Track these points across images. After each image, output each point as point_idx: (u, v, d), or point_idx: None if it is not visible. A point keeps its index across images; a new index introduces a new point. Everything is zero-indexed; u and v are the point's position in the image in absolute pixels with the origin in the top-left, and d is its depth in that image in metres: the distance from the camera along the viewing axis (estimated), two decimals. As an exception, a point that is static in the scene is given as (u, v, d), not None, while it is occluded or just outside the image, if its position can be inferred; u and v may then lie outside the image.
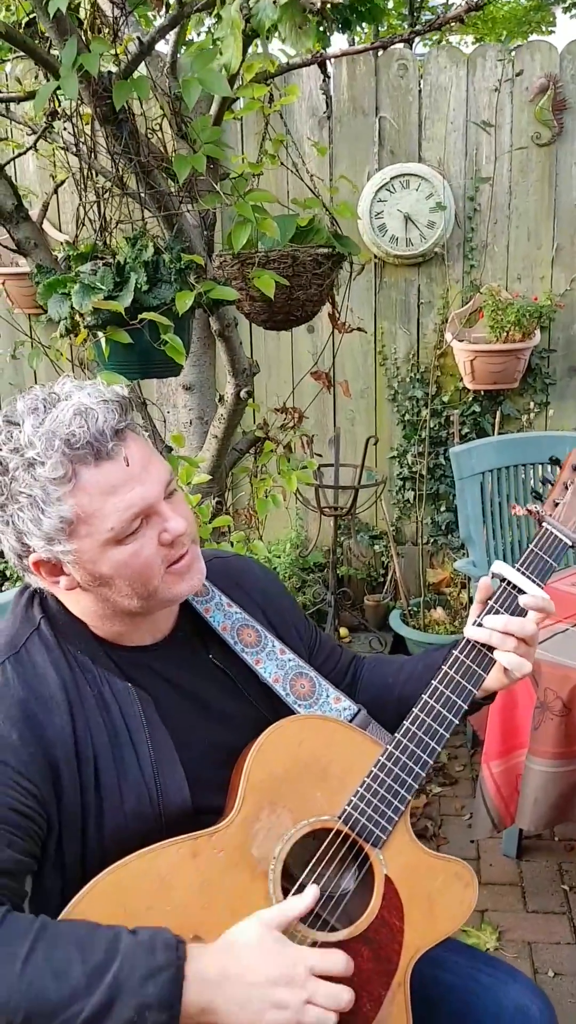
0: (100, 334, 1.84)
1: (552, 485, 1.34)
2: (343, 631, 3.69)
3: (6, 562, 1.23)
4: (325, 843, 1.14)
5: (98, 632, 1.20)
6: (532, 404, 3.64)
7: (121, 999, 0.93)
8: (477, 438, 3.46)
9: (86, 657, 1.17)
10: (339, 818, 1.14)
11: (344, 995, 1.01)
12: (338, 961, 1.03)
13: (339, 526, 3.50)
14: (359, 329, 2.66)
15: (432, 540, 3.77)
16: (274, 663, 1.28)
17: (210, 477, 2.43)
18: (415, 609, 3.63)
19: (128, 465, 1.09)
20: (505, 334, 3.36)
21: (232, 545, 2.38)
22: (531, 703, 2.02)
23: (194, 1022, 0.97)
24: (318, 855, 1.13)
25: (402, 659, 1.46)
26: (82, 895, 1.03)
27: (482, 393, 3.60)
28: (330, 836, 1.14)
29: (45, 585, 1.17)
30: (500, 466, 3.05)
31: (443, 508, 3.74)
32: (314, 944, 1.08)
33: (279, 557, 3.68)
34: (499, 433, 3.53)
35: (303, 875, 1.13)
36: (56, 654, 1.15)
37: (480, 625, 1.22)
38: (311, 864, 1.13)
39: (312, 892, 1.07)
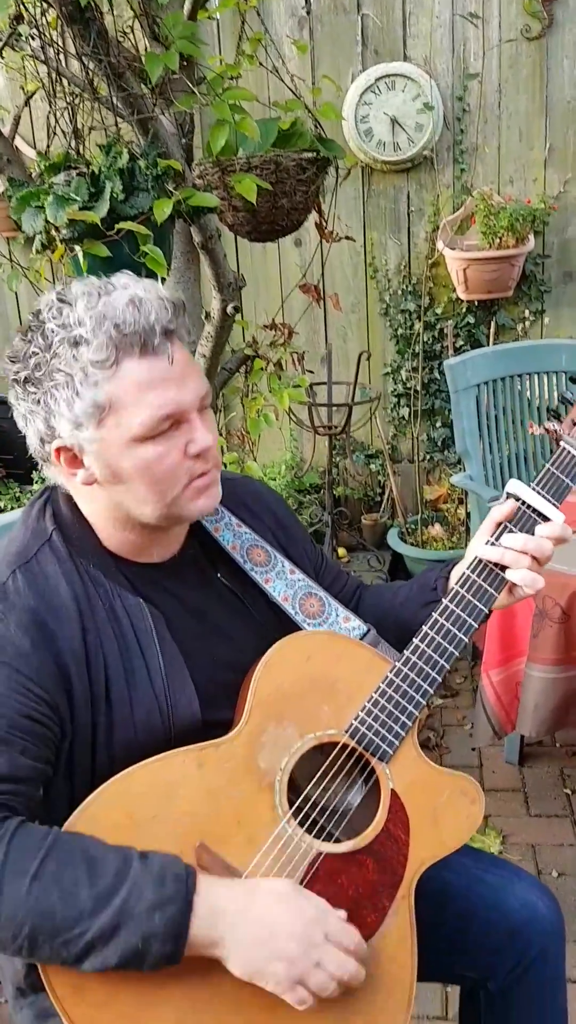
0: (77, 248, 1.77)
1: (571, 404, 1.30)
2: (341, 551, 3.68)
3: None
4: (331, 756, 1.13)
5: (109, 546, 1.19)
6: (527, 313, 3.56)
7: (127, 926, 0.94)
8: (472, 350, 3.40)
9: (98, 571, 1.16)
10: (346, 732, 1.14)
11: (350, 967, 1.01)
12: (353, 937, 1.03)
13: (334, 446, 3.46)
14: (347, 238, 2.57)
15: (428, 457, 3.74)
16: (284, 582, 1.28)
17: (200, 397, 2.39)
18: (413, 527, 3.61)
19: (171, 364, 1.09)
20: (498, 240, 3.26)
21: (225, 467, 2.35)
22: (530, 612, 2.02)
23: (200, 953, 0.97)
24: (324, 768, 1.13)
25: (399, 583, 1.46)
26: (89, 802, 1.03)
27: (476, 303, 3.52)
28: (336, 750, 1.14)
29: (62, 479, 1.17)
30: (496, 377, 2.99)
31: (439, 424, 3.69)
32: (319, 855, 1.08)
33: (274, 479, 3.65)
34: (494, 344, 3.47)
35: (308, 787, 1.12)
36: (68, 566, 1.15)
37: (495, 545, 1.21)
38: (317, 777, 1.12)
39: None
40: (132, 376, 1.08)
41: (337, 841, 1.11)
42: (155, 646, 1.15)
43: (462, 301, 3.52)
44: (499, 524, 1.23)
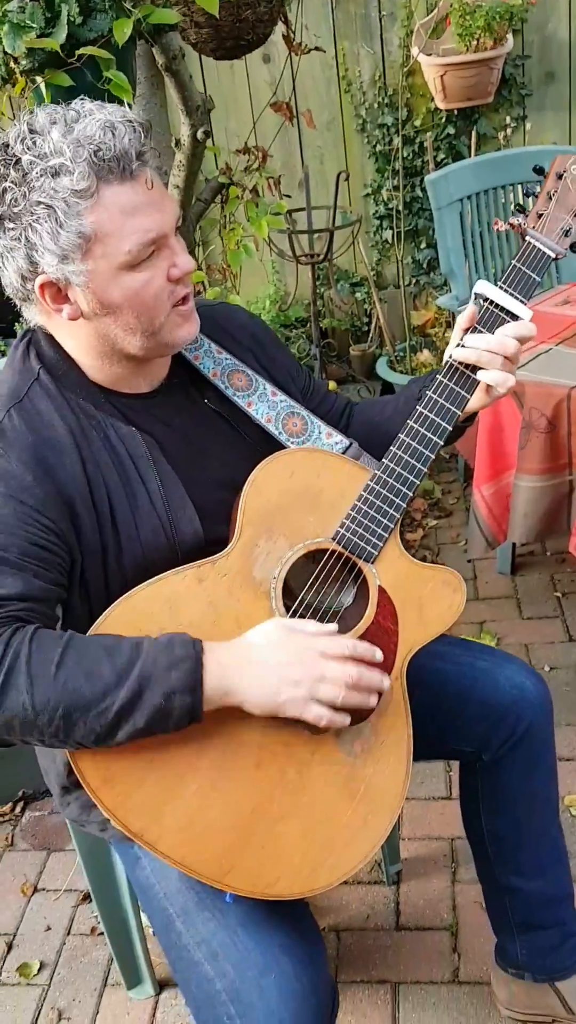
0: (39, 79, 1.70)
1: (536, 197, 1.29)
2: (331, 384, 3.68)
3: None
4: (321, 563, 1.21)
5: (95, 379, 1.21)
6: (508, 119, 3.43)
7: (150, 688, 1.03)
8: (453, 163, 3.29)
9: (88, 403, 1.19)
10: (333, 539, 1.21)
11: (351, 670, 1.11)
12: (344, 644, 1.12)
13: (317, 275, 3.41)
14: (317, 48, 2.45)
15: (414, 280, 3.68)
16: (266, 404, 1.31)
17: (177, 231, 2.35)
18: (401, 354, 3.61)
19: (151, 188, 1.09)
20: (475, 42, 3.10)
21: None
22: (517, 426, 2.07)
23: (218, 704, 1.07)
24: (315, 573, 1.21)
25: (386, 398, 1.49)
26: (99, 622, 1.11)
27: (455, 112, 3.38)
28: (325, 556, 1.21)
29: (43, 318, 1.18)
30: (479, 190, 2.91)
31: (423, 245, 3.62)
32: None
33: (259, 314, 3.62)
34: (476, 155, 3.35)
35: (302, 592, 1.20)
36: (59, 401, 1.18)
37: (463, 346, 1.23)
38: (309, 582, 1.21)
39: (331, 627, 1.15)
40: (115, 203, 1.07)
41: None
42: (152, 470, 1.20)
43: (441, 111, 3.38)
44: (466, 329, 1.24)
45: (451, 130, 3.42)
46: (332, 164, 3.53)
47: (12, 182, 1.08)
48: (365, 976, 1.71)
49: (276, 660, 1.09)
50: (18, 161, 1.07)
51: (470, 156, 3.37)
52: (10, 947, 1.86)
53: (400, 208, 3.50)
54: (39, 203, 1.06)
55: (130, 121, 1.09)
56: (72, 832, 1.55)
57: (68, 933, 1.87)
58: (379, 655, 1.14)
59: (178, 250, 1.14)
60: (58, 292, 1.13)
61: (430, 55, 3.20)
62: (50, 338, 1.22)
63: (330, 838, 1.15)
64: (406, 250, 3.61)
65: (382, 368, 3.57)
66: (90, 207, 1.07)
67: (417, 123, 3.44)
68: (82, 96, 1.13)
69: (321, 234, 3.26)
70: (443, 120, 3.42)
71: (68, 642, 1.05)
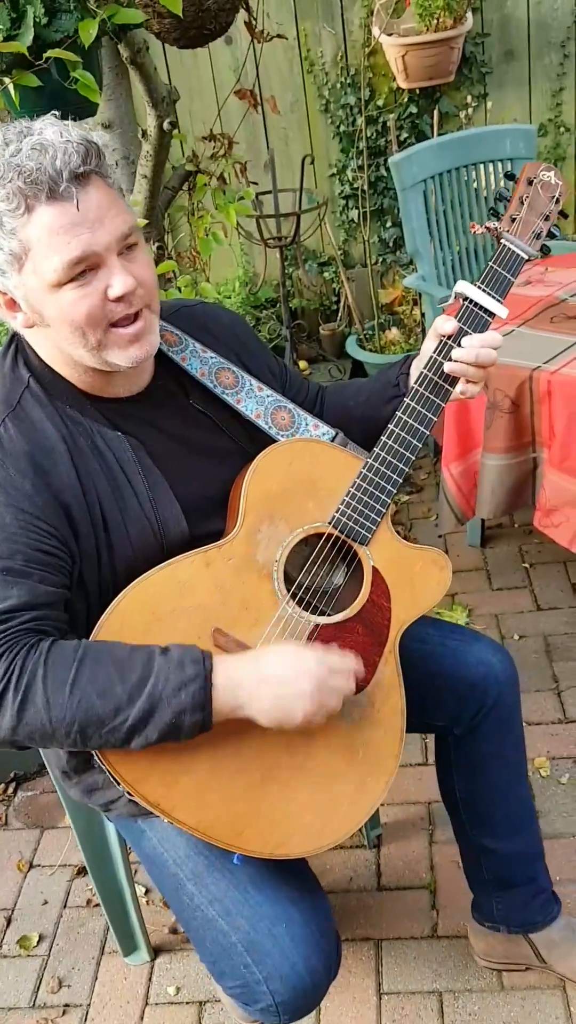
0: (6, 80, 1.73)
1: (508, 201, 1.36)
2: (302, 364, 3.74)
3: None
4: (318, 546, 1.28)
5: (79, 385, 1.25)
6: (470, 98, 3.47)
7: (160, 708, 1.09)
8: (417, 143, 3.33)
9: (75, 411, 1.24)
10: (329, 523, 1.28)
11: (351, 660, 1.19)
12: (355, 664, 1.20)
13: (285, 257, 3.45)
14: (279, 36, 2.49)
15: (381, 259, 3.73)
16: (254, 400, 1.36)
17: (146, 221, 2.38)
18: (370, 333, 3.66)
19: (78, 210, 1.11)
20: (435, 22, 3.13)
21: (180, 291, 2.38)
22: (482, 407, 2.14)
23: (228, 716, 1.13)
24: (313, 556, 1.28)
25: (359, 382, 1.54)
26: (115, 605, 1.17)
27: (417, 92, 3.42)
28: (322, 540, 1.28)
29: (11, 323, 1.22)
30: (443, 170, 2.96)
31: (389, 224, 3.67)
32: (316, 627, 1.25)
33: (229, 297, 3.65)
34: (439, 135, 3.39)
35: (300, 575, 1.28)
36: (49, 409, 1.22)
37: (455, 352, 1.29)
38: (307, 565, 1.28)
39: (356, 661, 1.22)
40: (42, 223, 1.10)
41: (329, 615, 1.29)
42: (139, 474, 1.25)
43: (403, 90, 3.41)
44: (447, 336, 1.30)
45: (413, 109, 3.46)
46: (297, 146, 3.56)
47: None
48: (350, 935, 1.80)
49: (287, 675, 1.14)
50: None
51: (433, 135, 3.41)
52: (9, 921, 1.94)
53: (365, 188, 3.54)
54: None
55: (71, 141, 1.11)
56: (67, 810, 1.62)
57: (65, 906, 1.95)
58: (356, 664, 1.21)
59: (117, 270, 1.14)
60: (10, 300, 1.18)
61: (391, 35, 3.23)
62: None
63: (335, 799, 1.24)
64: (372, 229, 3.66)
65: (352, 347, 3.62)
66: (22, 225, 1.11)
67: (380, 103, 3.47)
68: (53, 112, 1.17)
69: (288, 217, 3.30)
70: (405, 100, 3.45)
71: (82, 658, 1.10)
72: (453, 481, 2.33)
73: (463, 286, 1.32)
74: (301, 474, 1.29)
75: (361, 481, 1.28)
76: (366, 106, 3.43)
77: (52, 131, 1.11)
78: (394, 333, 3.63)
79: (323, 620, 1.26)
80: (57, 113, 1.17)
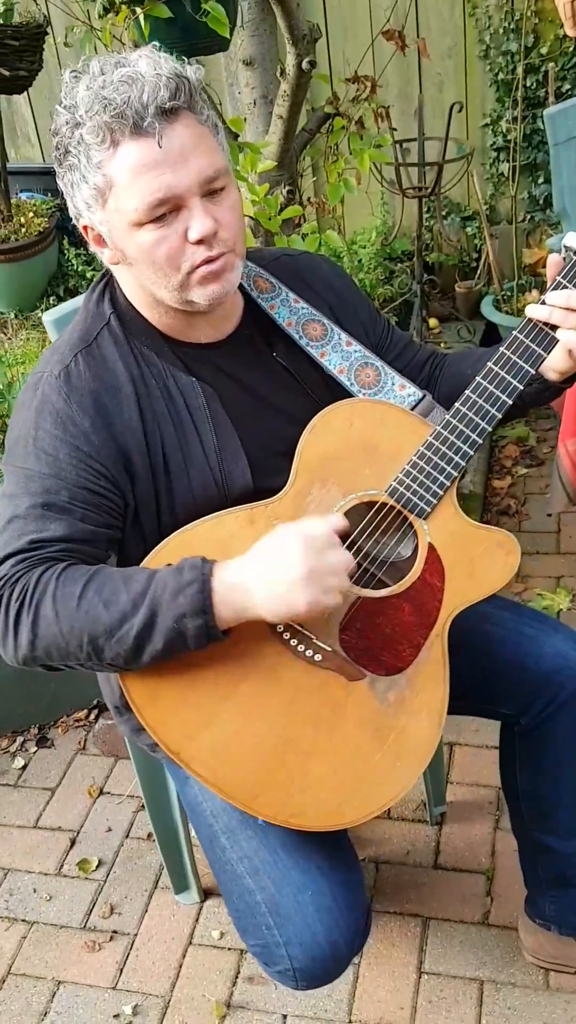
0: (138, 10, 1.71)
1: None
2: (432, 322, 3.62)
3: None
4: (371, 513, 1.23)
5: (160, 327, 1.24)
6: None
7: (161, 612, 1.08)
8: (578, 96, 3.13)
9: (152, 352, 1.22)
10: (386, 492, 1.22)
11: (347, 556, 1.12)
12: (336, 521, 1.14)
13: (427, 208, 3.32)
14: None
15: (529, 217, 3.55)
16: (339, 355, 1.31)
17: (277, 163, 2.33)
18: (508, 294, 3.50)
19: (160, 147, 1.08)
20: (613, -38, 2.89)
21: (303, 238, 2.32)
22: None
23: (237, 621, 1.11)
24: (364, 523, 1.22)
25: (483, 351, 1.45)
26: (155, 553, 1.17)
27: (586, 40, 3.20)
28: (376, 507, 1.23)
29: (97, 252, 1.21)
30: (601, 127, 2.77)
31: (541, 180, 3.47)
32: (357, 600, 1.20)
33: (364, 247, 3.56)
34: (604, 88, 3.17)
35: (354, 536, 1.22)
36: (124, 348, 1.21)
37: (547, 295, 1.18)
38: (358, 530, 1.22)
39: (338, 517, 1.16)
40: (124, 159, 1.08)
41: (383, 585, 1.23)
42: (208, 423, 1.22)
43: (570, 39, 3.19)
44: (555, 281, 1.19)
45: (579, 58, 3.24)
46: (451, 93, 3.40)
47: (56, 127, 1.12)
48: (398, 908, 1.78)
49: (277, 566, 1.09)
50: (72, 106, 1.10)
51: (598, 87, 3.19)
52: (73, 843, 2.01)
53: (519, 140, 3.35)
54: (69, 152, 1.11)
55: (162, 75, 1.07)
56: (127, 744, 1.65)
57: (127, 836, 2.01)
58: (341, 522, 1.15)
59: (198, 212, 1.10)
60: (97, 235, 1.17)
61: (563, -24, 3.01)
62: None
63: (358, 778, 1.20)
64: (522, 185, 3.47)
65: (487, 308, 3.47)
66: (107, 160, 1.09)
67: (543, 51, 3.26)
68: (154, 43, 1.14)
69: (432, 166, 3.17)
70: (571, 49, 3.23)
71: (93, 575, 1.11)
72: (569, 458, 2.21)
73: (573, 238, 1.18)
74: (361, 437, 1.22)
75: (426, 449, 1.21)
76: (528, 53, 3.23)
77: (145, 63, 1.08)
78: (534, 296, 3.45)
79: (366, 593, 1.21)
80: (158, 45, 1.14)
